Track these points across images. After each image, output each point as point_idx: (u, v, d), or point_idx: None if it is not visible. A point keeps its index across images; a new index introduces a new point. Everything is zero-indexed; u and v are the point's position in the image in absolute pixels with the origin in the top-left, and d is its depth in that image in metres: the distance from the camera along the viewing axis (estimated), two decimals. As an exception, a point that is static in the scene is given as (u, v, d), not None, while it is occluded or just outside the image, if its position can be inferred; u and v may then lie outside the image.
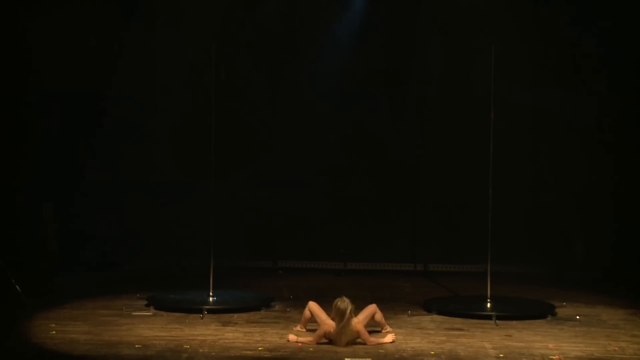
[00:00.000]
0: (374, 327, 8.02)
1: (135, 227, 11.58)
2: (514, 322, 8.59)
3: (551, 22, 11.12)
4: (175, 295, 9.42)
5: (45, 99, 11.28)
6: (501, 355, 7.40)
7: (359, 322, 7.66)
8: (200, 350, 7.43)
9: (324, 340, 7.65)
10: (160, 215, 11.59)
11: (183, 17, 11.36)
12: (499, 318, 8.63)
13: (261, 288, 10.13)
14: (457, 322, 8.64)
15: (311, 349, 7.49)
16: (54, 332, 8.04)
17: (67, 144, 11.40)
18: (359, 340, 7.64)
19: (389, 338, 7.78)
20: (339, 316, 7.55)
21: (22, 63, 11.01)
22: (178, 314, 8.79)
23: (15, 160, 11.06)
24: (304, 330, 8.09)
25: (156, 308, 9.00)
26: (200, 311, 8.77)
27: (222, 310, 8.91)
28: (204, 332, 8.11)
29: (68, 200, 11.43)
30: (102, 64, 11.40)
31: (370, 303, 8.06)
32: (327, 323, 7.68)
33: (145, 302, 9.20)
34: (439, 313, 8.89)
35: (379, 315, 8.02)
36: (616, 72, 11.02)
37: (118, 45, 11.49)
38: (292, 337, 7.79)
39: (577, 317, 8.82)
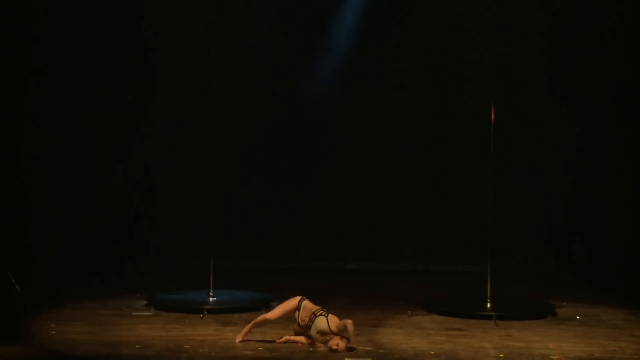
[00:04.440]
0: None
1: (135, 227, 11.58)
2: (514, 322, 8.59)
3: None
4: (175, 295, 9.43)
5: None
6: (501, 355, 7.40)
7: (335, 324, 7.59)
8: (200, 350, 7.43)
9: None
10: (160, 215, 11.58)
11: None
12: (499, 318, 8.63)
13: (261, 288, 10.12)
14: (457, 322, 8.64)
15: (311, 349, 7.50)
16: (54, 332, 8.04)
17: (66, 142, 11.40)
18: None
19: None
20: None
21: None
22: (178, 314, 8.80)
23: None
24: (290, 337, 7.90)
25: (156, 308, 9.01)
26: (200, 311, 8.78)
27: (222, 310, 8.92)
28: (204, 332, 8.11)
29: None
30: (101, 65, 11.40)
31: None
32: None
33: (145, 302, 9.21)
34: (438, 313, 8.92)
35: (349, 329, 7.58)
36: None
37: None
38: (285, 337, 7.76)
39: (577, 317, 8.82)
